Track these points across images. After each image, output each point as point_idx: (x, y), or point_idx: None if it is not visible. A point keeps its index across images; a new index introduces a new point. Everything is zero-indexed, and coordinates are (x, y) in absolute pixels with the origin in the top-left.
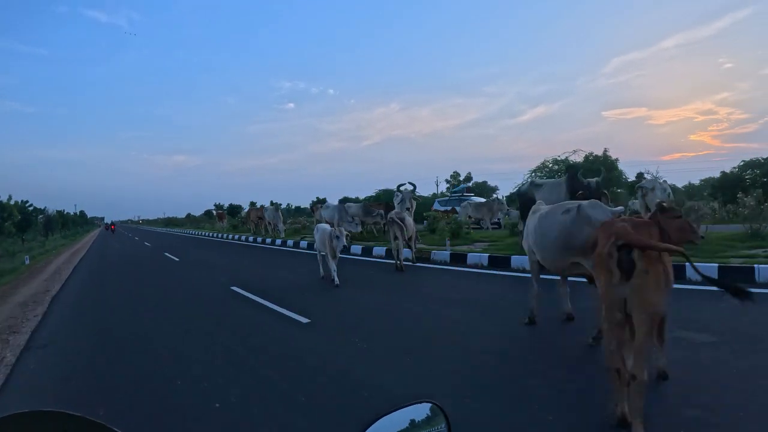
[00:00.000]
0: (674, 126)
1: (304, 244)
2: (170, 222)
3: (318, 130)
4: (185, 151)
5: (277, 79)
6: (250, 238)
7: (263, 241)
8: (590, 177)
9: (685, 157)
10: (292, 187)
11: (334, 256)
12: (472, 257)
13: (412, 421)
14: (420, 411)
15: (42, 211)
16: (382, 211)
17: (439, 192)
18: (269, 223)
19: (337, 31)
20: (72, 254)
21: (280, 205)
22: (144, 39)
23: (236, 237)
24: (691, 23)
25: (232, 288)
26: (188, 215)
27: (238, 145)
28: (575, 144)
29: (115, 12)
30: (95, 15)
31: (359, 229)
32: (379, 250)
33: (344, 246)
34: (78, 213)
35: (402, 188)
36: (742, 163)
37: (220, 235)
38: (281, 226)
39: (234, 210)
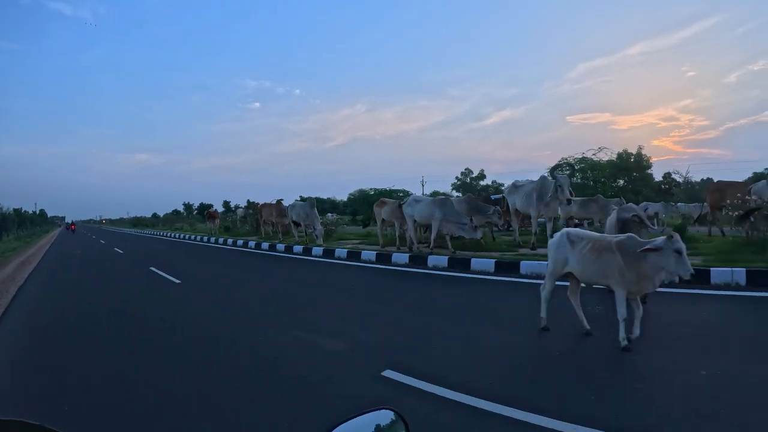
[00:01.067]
0: (637, 131)
1: (342, 252)
2: (138, 222)
3: (283, 131)
4: (148, 150)
5: (243, 78)
6: (264, 245)
7: (289, 249)
8: (620, 177)
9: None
10: (257, 187)
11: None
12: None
13: (372, 428)
14: (379, 418)
15: None
16: (498, 208)
17: (424, 192)
18: (296, 224)
19: (304, 30)
20: (20, 264)
21: (314, 200)
22: (108, 34)
23: (236, 242)
24: (656, 32)
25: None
26: (154, 215)
27: (202, 144)
28: (539, 148)
29: (81, 4)
30: (59, 7)
31: (479, 234)
32: (527, 265)
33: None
34: (38, 212)
35: (557, 174)
36: None
37: (212, 240)
38: (320, 228)
39: (204, 208)
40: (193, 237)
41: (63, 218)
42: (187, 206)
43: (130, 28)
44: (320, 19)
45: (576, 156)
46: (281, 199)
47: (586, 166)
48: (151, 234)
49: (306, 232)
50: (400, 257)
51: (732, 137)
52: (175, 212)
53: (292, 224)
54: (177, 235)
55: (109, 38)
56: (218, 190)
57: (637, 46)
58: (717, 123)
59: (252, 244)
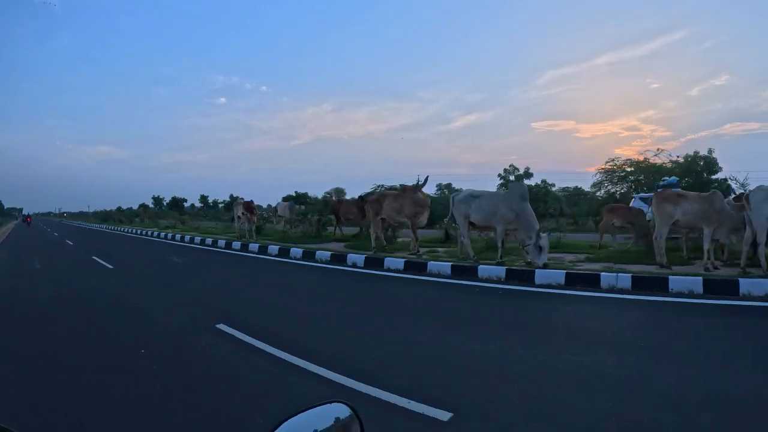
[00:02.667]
0: (600, 140)
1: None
2: (108, 216)
3: (250, 128)
4: (111, 142)
5: (210, 73)
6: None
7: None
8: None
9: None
10: (222, 185)
11: None
12: None
13: (323, 425)
14: (331, 412)
15: None
16: None
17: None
18: (394, 224)
19: (274, 27)
20: None
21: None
22: (74, 21)
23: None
24: (624, 43)
25: None
26: (119, 208)
27: (168, 138)
28: (505, 152)
29: None
30: None
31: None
32: None
33: None
34: None
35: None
36: None
37: (242, 248)
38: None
39: (176, 202)
40: (216, 242)
41: (21, 210)
42: (157, 200)
43: (96, 17)
44: (290, 17)
45: (633, 158)
46: (368, 193)
47: (645, 168)
48: (135, 233)
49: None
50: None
51: (692, 149)
52: (143, 206)
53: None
54: (185, 239)
55: (74, 26)
56: (184, 185)
57: (605, 56)
58: (678, 134)
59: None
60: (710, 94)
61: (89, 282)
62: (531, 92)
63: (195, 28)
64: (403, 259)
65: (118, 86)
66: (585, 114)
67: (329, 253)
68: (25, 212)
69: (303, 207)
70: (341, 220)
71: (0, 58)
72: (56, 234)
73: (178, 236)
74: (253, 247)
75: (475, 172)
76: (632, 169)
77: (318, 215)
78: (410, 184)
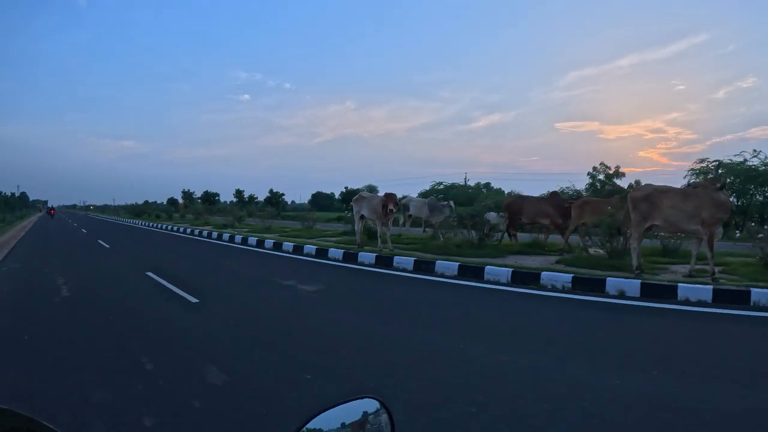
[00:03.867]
0: (624, 141)
1: None
2: (140, 210)
3: (271, 124)
4: (134, 137)
5: (234, 69)
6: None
7: None
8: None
9: (633, 173)
10: (242, 180)
11: None
12: None
13: (354, 418)
14: (362, 407)
15: None
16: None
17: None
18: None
19: (298, 24)
20: None
21: None
22: (97, 17)
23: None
24: (647, 44)
25: None
26: (146, 202)
27: (189, 133)
28: (527, 153)
29: None
30: None
31: None
32: None
33: None
34: (18, 195)
35: None
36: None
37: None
38: None
39: (209, 197)
40: (354, 255)
41: (45, 202)
42: (187, 194)
43: (118, 11)
44: (314, 15)
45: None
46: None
47: (741, 171)
48: (186, 231)
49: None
50: None
51: (718, 152)
52: (187, 199)
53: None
54: (285, 247)
55: (97, 22)
56: (205, 180)
57: (628, 57)
58: (704, 137)
59: None
60: (736, 97)
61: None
62: (553, 93)
63: (218, 24)
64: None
65: (140, 81)
66: (609, 115)
67: (568, 275)
68: (49, 205)
69: (451, 204)
70: (516, 223)
71: (23, 52)
72: (84, 231)
73: (269, 242)
74: (403, 262)
75: (494, 171)
76: (723, 171)
77: (478, 218)
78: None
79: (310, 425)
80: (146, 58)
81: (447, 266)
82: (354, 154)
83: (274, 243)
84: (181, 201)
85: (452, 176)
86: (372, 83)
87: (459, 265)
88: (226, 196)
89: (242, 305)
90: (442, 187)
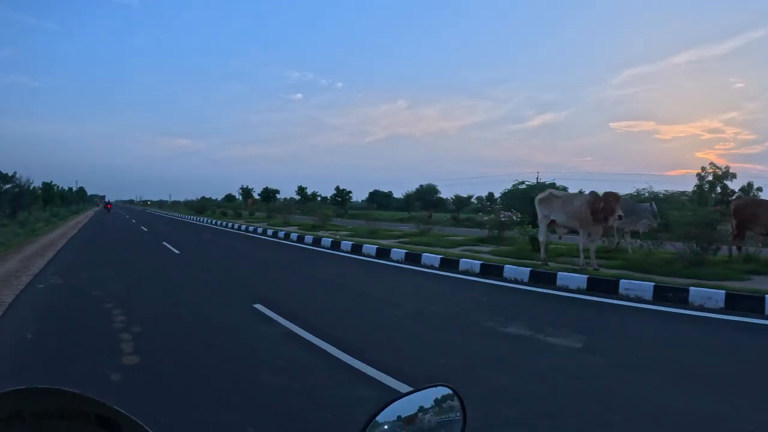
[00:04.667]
0: (680, 142)
1: None
2: (202, 207)
3: (323, 123)
4: (189, 135)
5: (286, 69)
6: None
7: None
8: None
9: (690, 174)
10: (293, 178)
11: None
12: None
13: (428, 404)
14: (435, 394)
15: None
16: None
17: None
18: None
19: (349, 23)
20: None
21: None
22: (152, 19)
23: None
24: (703, 40)
25: None
26: (202, 198)
27: (242, 132)
28: (580, 153)
29: None
30: None
31: None
32: None
33: None
34: (77, 189)
35: None
36: None
37: None
38: None
39: (268, 194)
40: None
41: (103, 197)
42: (245, 191)
43: (173, 14)
44: (366, 13)
45: None
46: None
47: None
48: (272, 234)
49: None
50: None
51: None
52: (229, 197)
53: None
54: (466, 266)
55: (152, 23)
56: (258, 177)
57: (684, 54)
58: (763, 137)
59: None
60: None
61: None
62: (607, 91)
63: (270, 23)
64: None
65: (195, 81)
66: (665, 115)
67: None
68: (107, 199)
69: (653, 207)
70: (744, 233)
71: (82, 54)
72: (144, 228)
73: (426, 256)
74: (634, 287)
75: (547, 171)
76: None
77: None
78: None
79: (387, 410)
80: (200, 59)
81: (704, 294)
82: (406, 152)
83: (443, 261)
84: (240, 197)
85: (507, 176)
86: (424, 82)
87: (726, 294)
88: (285, 193)
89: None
90: (524, 186)
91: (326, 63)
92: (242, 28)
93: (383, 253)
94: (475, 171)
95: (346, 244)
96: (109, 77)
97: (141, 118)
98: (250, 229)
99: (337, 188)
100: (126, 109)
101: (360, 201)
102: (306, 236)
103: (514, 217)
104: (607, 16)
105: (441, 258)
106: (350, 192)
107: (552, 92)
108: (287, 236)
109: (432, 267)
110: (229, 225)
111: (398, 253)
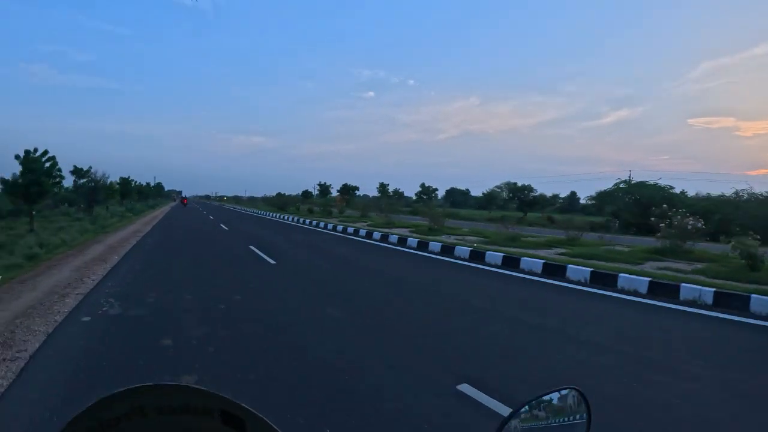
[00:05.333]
0: (762, 139)
1: None
2: (283, 203)
3: (395, 120)
4: (263, 133)
5: (357, 67)
6: None
7: None
8: None
9: None
10: (364, 175)
11: None
12: None
13: (555, 407)
14: (563, 397)
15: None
16: None
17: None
18: None
19: (420, 21)
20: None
21: None
22: (225, 21)
23: None
24: None
25: None
26: (278, 194)
27: (314, 129)
28: (656, 151)
29: None
30: None
31: None
32: None
33: None
34: (154, 185)
35: None
36: None
37: None
38: None
39: (348, 190)
40: None
41: (179, 192)
42: (323, 187)
43: (246, 17)
44: (437, 9)
45: None
46: None
47: None
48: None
49: None
50: None
51: None
52: (305, 193)
53: None
54: None
55: (225, 26)
56: (332, 174)
57: (766, 45)
58: None
59: None
60: None
61: None
62: (685, 86)
63: (340, 22)
64: None
65: (268, 81)
66: (746, 110)
67: None
68: (183, 194)
69: None
70: None
71: (159, 57)
72: (224, 227)
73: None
74: None
75: (622, 170)
76: None
77: None
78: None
79: (521, 412)
80: (272, 59)
81: None
82: (479, 150)
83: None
84: (317, 193)
85: (583, 175)
86: (496, 78)
87: None
88: (364, 190)
89: None
90: (624, 186)
91: (398, 60)
92: (313, 27)
93: (601, 278)
94: (549, 169)
95: (494, 257)
96: (185, 78)
97: (216, 118)
98: (349, 230)
99: (422, 185)
100: (201, 109)
101: (437, 198)
102: (429, 242)
103: (699, 225)
104: (684, 4)
105: (649, 281)
106: (436, 189)
107: (627, 87)
108: (402, 241)
109: (636, 293)
110: (321, 225)
111: (631, 280)
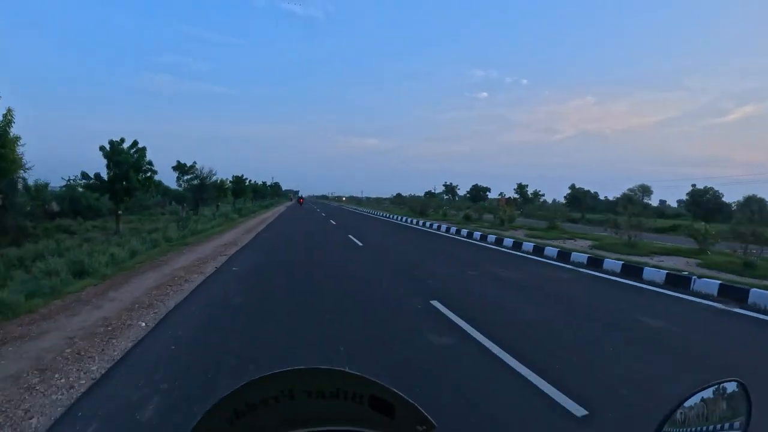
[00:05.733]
0: None
1: None
2: (424, 206)
3: (509, 121)
4: (377, 135)
5: (470, 67)
6: None
7: None
8: None
9: None
10: (484, 177)
11: None
12: None
13: (717, 398)
14: (723, 388)
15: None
16: None
17: None
18: None
19: (533, 18)
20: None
21: None
22: (338, 28)
23: None
24: None
25: None
26: (398, 195)
27: (428, 131)
28: None
29: (311, 4)
30: (291, 8)
31: None
32: None
33: None
34: (271, 184)
35: None
36: None
37: None
38: None
39: (478, 192)
40: None
41: (296, 192)
42: (449, 187)
43: (357, 22)
44: (547, 6)
45: None
46: None
47: None
48: None
49: None
50: None
51: None
52: (429, 194)
53: None
54: None
55: (337, 32)
56: (445, 175)
57: None
58: None
59: None
60: None
61: None
62: None
63: (450, 24)
64: None
65: (380, 83)
66: None
67: None
68: (300, 194)
69: None
70: None
71: (273, 64)
72: (356, 241)
73: None
74: None
75: (749, 173)
76: None
77: None
78: None
79: (687, 403)
80: (384, 61)
81: None
82: (596, 151)
83: None
84: (445, 195)
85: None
86: (612, 75)
87: None
88: (496, 192)
89: None
90: None
91: (510, 60)
92: (424, 29)
93: None
94: (668, 171)
95: None
96: (300, 82)
97: (331, 120)
98: (576, 258)
99: (572, 187)
100: (316, 112)
101: (553, 201)
102: None
103: None
104: None
105: None
106: (596, 193)
107: (754, 79)
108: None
109: None
110: (507, 242)
111: None
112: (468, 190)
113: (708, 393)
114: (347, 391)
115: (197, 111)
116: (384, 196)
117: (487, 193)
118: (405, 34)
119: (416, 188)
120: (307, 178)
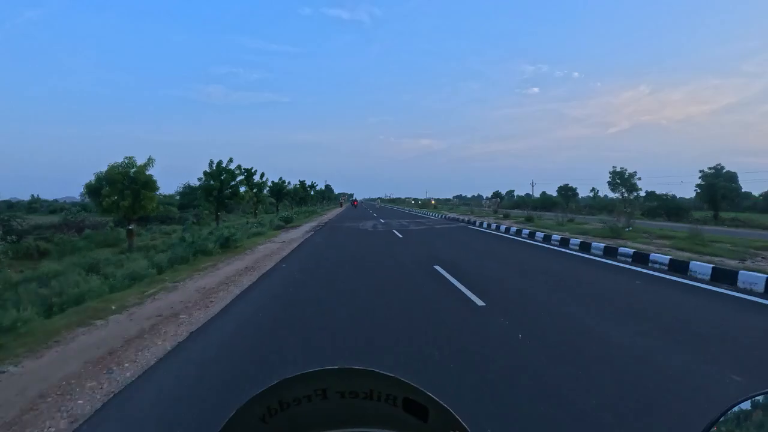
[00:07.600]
0: None
1: None
2: (552, 203)
3: (563, 116)
4: (430, 136)
5: (520, 63)
6: None
7: None
8: None
9: None
10: (536, 174)
11: None
12: None
13: (762, 406)
14: (759, 402)
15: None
16: None
17: None
18: None
19: (577, 9)
20: None
21: None
22: (385, 31)
23: None
24: None
25: None
26: (458, 197)
27: (482, 129)
28: None
29: (356, 8)
30: (337, 13)
31: None
32: None
33: None
34: (323, 187)
35: None
36: None
37: None
38: None
39: (567, 191)
40: None
41: (351, 195)
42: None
43: (403, 24)
44: None
45: None
46: None
47: None
48: None
49: None
50: None
51: None
52: (496, 194)
53: None
54: None
55: (384, 35)
56: (502, 175)
57: None
58: None
59: None
60: None
61: None
62: None
63: (497, 20)
64: None
65: (431, 84)
66: None
67: None
68: (354, 197)
69: None
70: None
71: (325, 69)
72: (476, 300)
73: None
74: None
75: None
76: None
77: None
78: None
79: (729, 413)
80: (434, 62)
81: None
82: (652, 143)
83: None
84: (504, 195)
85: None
86: (665, 62)
87: None
88: (584, 191)
89: None
90: None
91: (559, 53)
92: (471, 28)
93: None
94: (725, 160)
95: None
96: (351, 86)
97: (384, 122)
98: None
99: (711, 172)
100: (369, 115)
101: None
102: None
103: None
104: None
105: None
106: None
107: None
108: None
109: None
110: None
111: None
112: (556, 189)
113: (757, 400)
114: (381, 393)
115: (251, 119)
116: (441, 197)
117: (576, 192)
118: (454, 34)
119: (474, 188)
120: (362, 181)
